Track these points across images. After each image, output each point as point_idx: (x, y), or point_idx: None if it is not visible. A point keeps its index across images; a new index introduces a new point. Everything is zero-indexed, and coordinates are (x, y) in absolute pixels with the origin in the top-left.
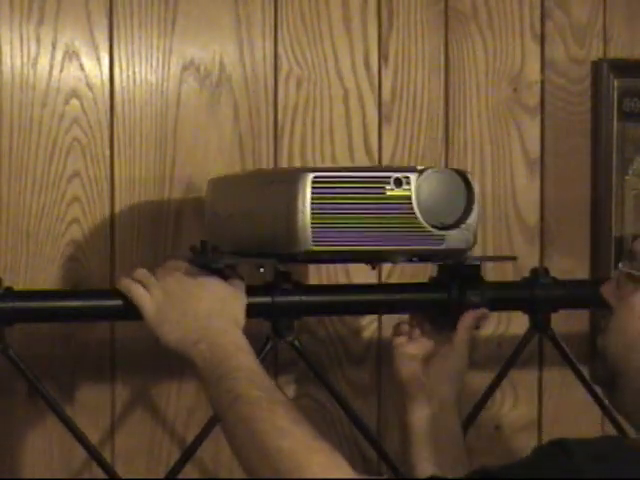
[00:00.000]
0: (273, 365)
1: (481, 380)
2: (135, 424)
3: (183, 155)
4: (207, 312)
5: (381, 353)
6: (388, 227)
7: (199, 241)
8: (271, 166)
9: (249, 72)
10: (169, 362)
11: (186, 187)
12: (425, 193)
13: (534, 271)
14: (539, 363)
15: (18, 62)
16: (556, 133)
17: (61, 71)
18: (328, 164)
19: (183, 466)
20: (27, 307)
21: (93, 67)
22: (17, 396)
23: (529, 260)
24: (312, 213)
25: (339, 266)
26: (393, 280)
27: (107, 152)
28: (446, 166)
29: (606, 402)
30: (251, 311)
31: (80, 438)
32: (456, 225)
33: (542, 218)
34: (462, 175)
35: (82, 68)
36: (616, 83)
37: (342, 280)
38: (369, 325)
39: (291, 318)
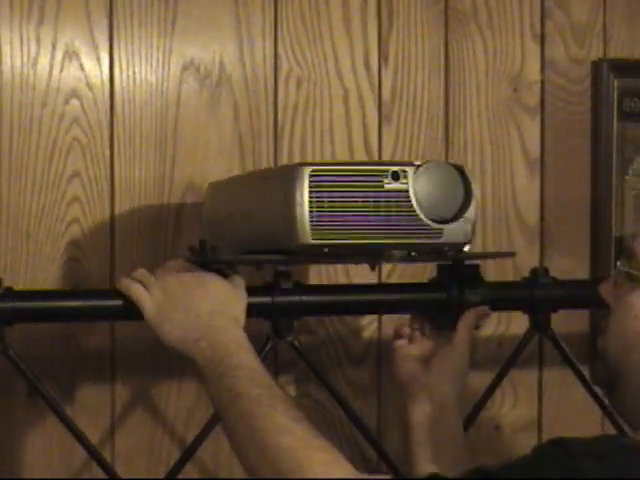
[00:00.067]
0: (273, 365)
1: (481, 380)
2: (135, 424)
3: (183, 155)
4: (208, 310)
5: (381, 353)
6: (386, 220)
7: (198, 241)
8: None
9: (249, 72)
10: (169, 362)
11: (186, 187)
12: (423, 187)
13: (534, 271)
14: (539, 363)
15: (18, 62)
16: (556, 133)
17: (61, 71)
18: None
19: (183, 466)
20: (27, 307)
21: (93, 67)
22: (17, 396)
23: (529, 260)
24: (310, 207)
25: (339, 266)
26: (393, 280)
27: (107, 152)
28: None
29: (606, 402)
30: (251, 311)
31: (80, 438)
32: (454, 219)
33: (542, 218)
34: (459, 169)
35: (82, 68)
36: (616, 83)
37: (342, 280)
38: (369, 325)
39: (291, 318)
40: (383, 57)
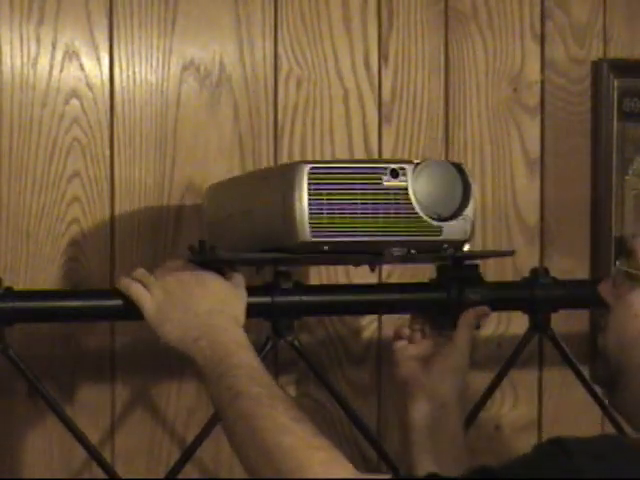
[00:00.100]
0: (273, 365)
1: (481, 380)
2: (135, 424)
3: (183, 155)
4: (208, 310)
5: (381, 353)
6: (386, 218)
7: (197, 241)
8: None
9: (249, 72)
10: (169, 362)
11: (186, 187)
12: (422, 185)
13: (534, 271)
14: (539, 363)
15: (18, 62)
16: (556, 133)
17: (61, 71)
18: None
19: (183, 466)
20: (27, 307)
21: (93, 67)
22: (17, 396)
23: (529, 260)
24: (309, 204)
25: (339, 266)
26: (393, 280)
27: (107, 152)
28: None
29: (606, 402)
30: (251, 311)
31: (80, 438)
32: (453, 216)
33: (542, 218)
34: (458, 167)
35: (82, 68)
36: (616, 83)
37: (342, 280)
38: (369, 325)
39: (291, 318)
40: (383, 57)
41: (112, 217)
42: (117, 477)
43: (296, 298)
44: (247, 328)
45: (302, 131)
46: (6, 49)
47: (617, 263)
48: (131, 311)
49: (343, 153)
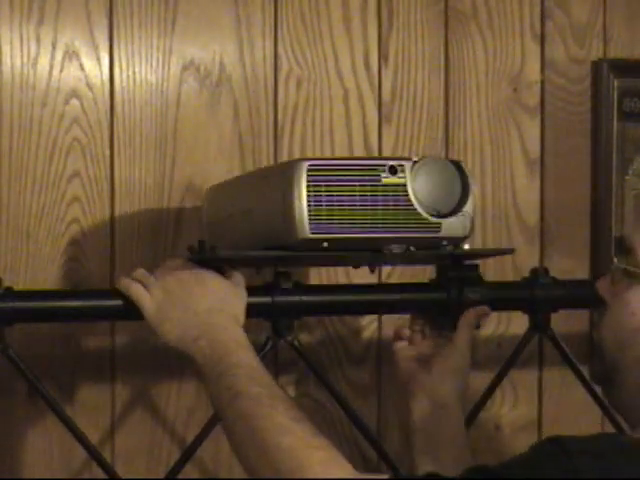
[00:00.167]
0: (273, 365)
1: (481, 380)
2: (135, 424)
3: (183, 155)
4: (207, 309)
5: (381, 353)
6: (385, 215)
7: (197, 241)
8: None
9: (249, 72)
10: (169, 362)
11: (186, 187)
12: (421, 181)
13: (534, 271)
14: (539, 363)
15: (18, 62)
16: (556, 133)
17: (61, 71)
18: None
19: (183, 466)
20: (27, 307)
21: (93, 67)
22: (17, 396)
23: (529, 260)
24: (308, 201)
25: (339, 266)
26: (393, 280)
27: (107, 152)
28: None
29: (606, 402)
30: (251, 311)
31: (80, 438)
32: (452, 213)
33: (542, 218)
34: (457, 164)
35: (82, 68)
36: (616, 83)
37: (342, 280)
38: (369, 325)
39: (291, 318)
40: (383, 57)
41: (112, 217)
42: (117, 477)
43: (296, 298)
44: (247, 328)
45: (302, 131)
46: (6, 49)
47: (615, 260)
48: (131, 311)
49: (343, 153)
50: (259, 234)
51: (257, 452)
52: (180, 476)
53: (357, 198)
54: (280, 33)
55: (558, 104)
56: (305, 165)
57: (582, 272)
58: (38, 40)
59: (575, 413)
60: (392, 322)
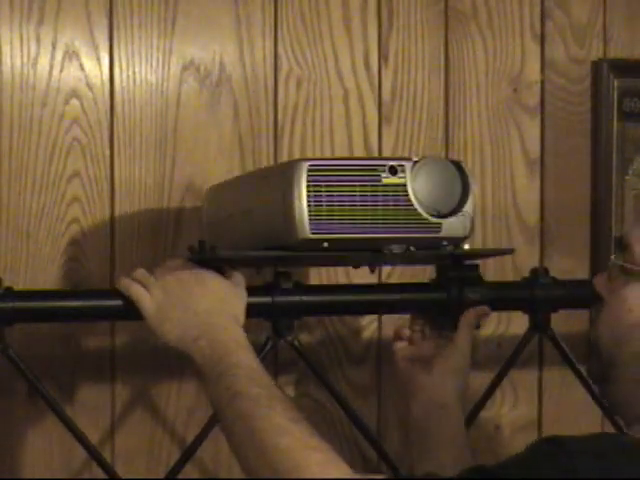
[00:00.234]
0: (273, 365)
1: (481, 380)
2: (135, 424)
3: (183, 155)
4: (207, 309)
5: (381, 353)
6: (385, 215)
7: (197, 241)
8: None
9: (249, 72)
10: (169, 362)
11: (186, 187)
12: (421, 181)
13: (534, 271)
14: (539, 363)
15: (18, 62)
16: (556, 133)
17: (61, 71)
18: None
19: (183, 466)
20: (27, 307)
21: (93, 67)
22: (17, 396)
23: (529, 260)
24: (308, 201)
25: (339, 266)
26: (393, 280)
27: (107, 152)
28: None
29: (605, 402)
30: (251, 311)
31: (80, 438)
32: (452, 213)
33: (542, 218)
34: (457, 164)
35: (82, 68)
36: (616, 83)
37: (342, 280)
38: (369, 325)
39: (291, 318)
40: (383, 57)
41: (112, 217)
42: (117, 477)
43: (296, 298)
44: (247, 328)
45: (302, 131)
46: (6, 49)
47: (612, 257)
48: (131, 311)
49: (343, 153)
50: (259, 234)
51: (255, 452)
52: (180, 476)
53: (357, 198)
54: (280, 33)
55: (558, 104)
56: (305, 165)
57: (582, 272)
58: (38, 40)
59: (575, 413)
60: (392, 322)
